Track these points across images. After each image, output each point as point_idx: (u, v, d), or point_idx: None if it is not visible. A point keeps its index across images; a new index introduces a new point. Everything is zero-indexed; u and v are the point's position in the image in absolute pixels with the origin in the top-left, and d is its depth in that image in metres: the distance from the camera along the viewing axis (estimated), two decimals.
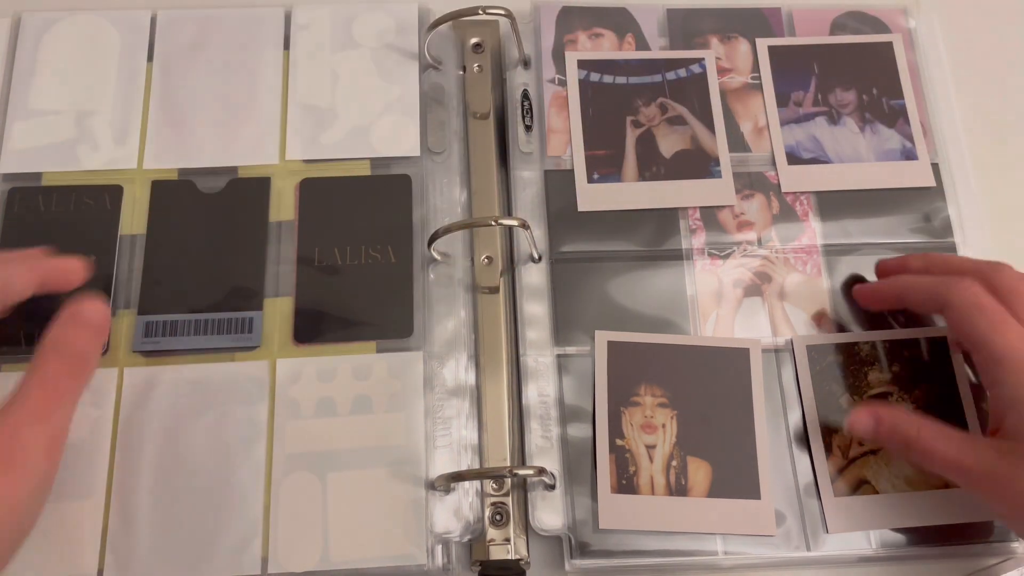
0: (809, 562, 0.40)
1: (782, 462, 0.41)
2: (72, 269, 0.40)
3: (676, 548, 0.39)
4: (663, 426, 0.41)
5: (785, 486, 0.41)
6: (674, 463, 0.40)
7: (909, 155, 0.48)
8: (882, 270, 0.45)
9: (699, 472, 0.40)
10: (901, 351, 0.43)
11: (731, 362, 0.43)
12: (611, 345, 0.42)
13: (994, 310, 0.38)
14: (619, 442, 0.41)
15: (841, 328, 0.44)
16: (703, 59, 0.49)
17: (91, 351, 0.37)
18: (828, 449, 0.41)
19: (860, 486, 0.41)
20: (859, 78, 0.50)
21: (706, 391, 0.37)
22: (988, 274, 0.39)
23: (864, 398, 0.43)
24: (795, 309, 0.45)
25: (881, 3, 0.52)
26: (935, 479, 0.41)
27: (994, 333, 0.38)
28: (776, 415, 0.42)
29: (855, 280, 0.45)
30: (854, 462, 0.41)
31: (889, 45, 0.50)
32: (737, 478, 0.40)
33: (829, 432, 0.42)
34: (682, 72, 0.49)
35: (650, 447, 0.41)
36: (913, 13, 0.52)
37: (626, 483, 0.40)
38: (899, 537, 0.40)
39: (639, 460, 0.40)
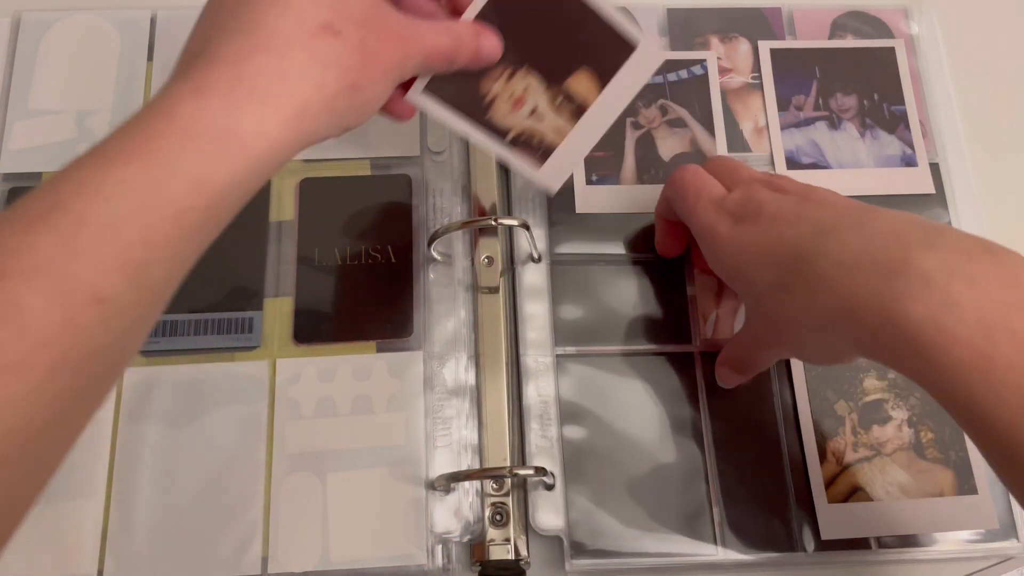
0: (810, 561, 0.40)
1: (776, 468, 0.41)
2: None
3: (676, 550, 0.40)
4: (525, 89, 0.38)
5: (779, 492, 0.41)
6: (558, 99, 0.38)
7: (909, 161, 0.48)
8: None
9: (580, 84, 0.38)
10: None
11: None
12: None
13: (695, 182, 0.39)
14: (509, 133, 0.38)
15: None
16: (704, 60, 0.49)
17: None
18: (822, 456, 0.42)
19: (854, 493, 0.41)
20: (860, 83, 0.49)
21: (543, 29, 0.37)
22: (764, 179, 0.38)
23: (859, 405, 0.43)
24: None
25: (882, 3, 0.52)
26: (929, 487, 0.41)
27: (691, 205, 0.39)
28: (771, 421, 0.42)
29: None
30: (848, 469, 0.42)
31: (891, 50, 0.50)
32: (609, 59, 0.38)
33: (824, 439, 0.42)
34: (683, 74, 0.49)
35: (532, 113, 0.38)
36: (914, 15, 0.51)
37: (541, 152, 0.38)
38: (899, 538, 0.40)
39: (532, 129, 0.38)
